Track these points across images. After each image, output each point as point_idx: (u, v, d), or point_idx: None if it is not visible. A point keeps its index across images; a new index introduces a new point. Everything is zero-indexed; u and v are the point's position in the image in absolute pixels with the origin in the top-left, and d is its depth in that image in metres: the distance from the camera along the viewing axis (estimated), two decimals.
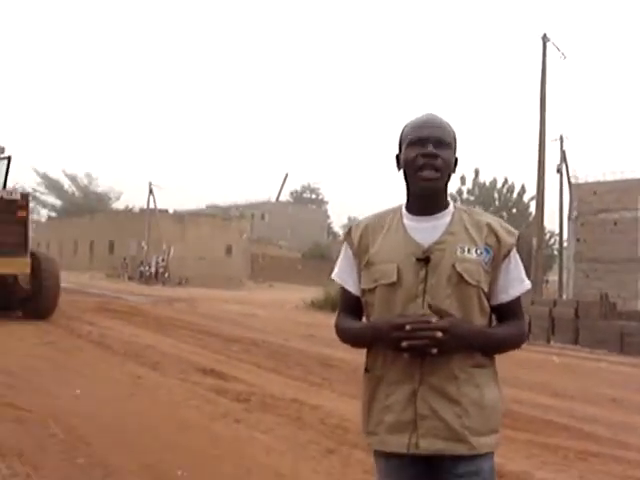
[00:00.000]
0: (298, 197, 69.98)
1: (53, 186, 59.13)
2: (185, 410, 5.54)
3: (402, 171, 1.81)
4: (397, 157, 1.86)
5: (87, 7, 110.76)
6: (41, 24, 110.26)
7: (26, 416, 5.01)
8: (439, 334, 1.62)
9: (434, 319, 1.65)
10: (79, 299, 15.98)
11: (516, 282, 1.82)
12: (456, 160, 1.82)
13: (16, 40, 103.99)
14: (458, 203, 1.89)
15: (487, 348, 1.77)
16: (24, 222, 11.18)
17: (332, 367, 8.16)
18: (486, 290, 1.76)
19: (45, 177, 58.29)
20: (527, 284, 1.84)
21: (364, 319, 1.88)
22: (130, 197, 79.58)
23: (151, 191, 38.47)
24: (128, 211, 50.74)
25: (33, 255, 11.41)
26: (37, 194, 59.10)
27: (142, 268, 36.20)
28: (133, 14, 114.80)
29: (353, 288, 1.88)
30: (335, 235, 63.33)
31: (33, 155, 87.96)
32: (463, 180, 51.73)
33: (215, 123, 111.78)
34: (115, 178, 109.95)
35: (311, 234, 58.03)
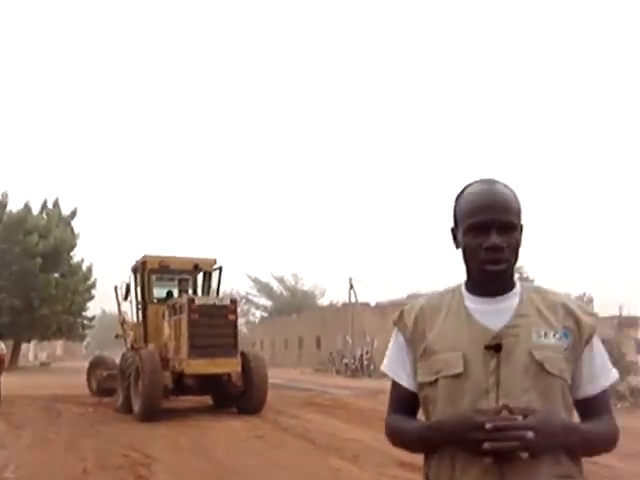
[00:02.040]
0: None
1: (264, 288, 64.17)
2: None
3: (461, 249, 1.58)
4: (453, 232, 1.63)
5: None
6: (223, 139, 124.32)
7: None
8: (530, 434, 1.34)
9: (519, 417, 1.38)
10: (287, 394, 16.73)
11: (603, 371, 1.58)
12: (521, 228, 1.58)
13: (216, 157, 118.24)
14: (525, 282, 1.66)
15: (580, 449, 1.49)
16: (234, 325, 12.30)
17: None
18: (569, 382, 1.51)
19: (256, 281, 63.62)
20: (615, 373, 1.60)
21: (421, 418, 1.62)
22: (334, 293, 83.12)
23: (352, 286, 39.83)
24: (332, 306, 52.88)
25: (243, 354, 12.39)
26: (250, 297, 64.85)
27: (346, 361, 37.03)
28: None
29: (407, 381, 1.63)
30: None
31: (246, 262, 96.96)
32: None
33: (408, 214, 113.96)
34: (319, 276, 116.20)
35: None
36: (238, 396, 12.39)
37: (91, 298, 38.71)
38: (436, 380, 1.53)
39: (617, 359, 16.75)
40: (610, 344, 18.62)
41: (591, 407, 1.57)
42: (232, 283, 56.57)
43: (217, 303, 12.34)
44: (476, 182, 1.61)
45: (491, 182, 1.58)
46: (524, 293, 1.59)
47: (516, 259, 1.55)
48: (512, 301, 1.57)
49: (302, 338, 47.72)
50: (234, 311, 12.42)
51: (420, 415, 1.65)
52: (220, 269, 14.26)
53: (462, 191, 1.62)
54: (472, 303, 1.58)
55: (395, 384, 1.67)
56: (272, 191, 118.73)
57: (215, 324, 11.93)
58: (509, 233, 1.52)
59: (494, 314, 1.54)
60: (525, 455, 1.36)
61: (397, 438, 1.64)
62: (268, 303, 65.84)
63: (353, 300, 39.82)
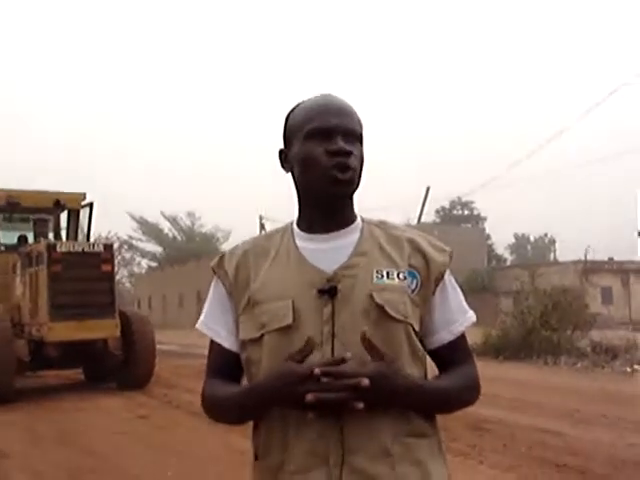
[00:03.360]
0: (447, 215, 69.32)
1: (152, 231, 63.19)
2: None
3: (292, 173, 1.66)
4: (282, 154, 1.69)
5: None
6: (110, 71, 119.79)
7: None
8: (365, 381, 1.39)
9: (349, 358, 1.44)
10: (181, 363, 16.82)
11: (458, 314, 1.67)
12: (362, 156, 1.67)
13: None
14: (367, 215, 1.73)
15: (429, 407, 1.60)
16: (110, 277, 12.05)
17: (485, 432, 8.01)
18: (417, 328, 1.59)
19: (142, 221, 62.41)
20: (472, 315, 1.70)
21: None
22: (241, 235, 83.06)
23: (262, 226, 39.99)
24: None
25: (123, 315, 12.23)
26: (134, 242, 63.79)
27: None
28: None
29: (228, 341, 1.67)
30: (500, 259, 61.81)
31: (128, 197, 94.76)
32: None
33: None
34: (222, 215, 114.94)
35: (467, 260, 56.87)
36: (117, 368, 12.32)
37: None
38: (261, 336, 1.56)
39: (579, 310, 17.77)
40: (573, 293, 19.71)
41: (447, 356, 1.66)
42: (109, 224, 55.36)
43: (87, 250, 11.96)
44: (311, 97, 1.67)
45: (328, 94, 1.66)
46: (365, 227, 1.66)
47: (359, 179, 1.62)
48: (351, 237, 1.64)
49: (201, 292, 47.67)
50: (110, 260, 12.15)
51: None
52: (91, 206, 13.90)
53: (294, 107, 1.69)
54: (304, 242, 1.64)
55: (214, 344, 1.70)
56: (159, 107, 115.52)
57: (85, 277, 11.67)
58: (353, 142, 1.60)
59: (330, 253, 1.60)
60: (360, 405, 1.40)
61: (215, 409, 1.68)
62: (157, 249, 65.23)
63: None
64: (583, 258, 39.18)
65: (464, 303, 1.71)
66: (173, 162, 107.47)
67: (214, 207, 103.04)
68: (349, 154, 1.56)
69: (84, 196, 14.04)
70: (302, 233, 1.65)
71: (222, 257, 1.72)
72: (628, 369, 13.94)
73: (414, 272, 1.60)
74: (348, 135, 1.57)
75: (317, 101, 1.63)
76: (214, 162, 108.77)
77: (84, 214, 14.03)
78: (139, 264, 68.18)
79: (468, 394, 1.67)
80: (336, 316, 1.53)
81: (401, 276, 1.58)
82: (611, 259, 43.31)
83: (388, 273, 1.58)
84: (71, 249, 11.87)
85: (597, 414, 8.80)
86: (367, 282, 1.56)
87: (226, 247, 63.04)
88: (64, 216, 14.34)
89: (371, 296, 1.54)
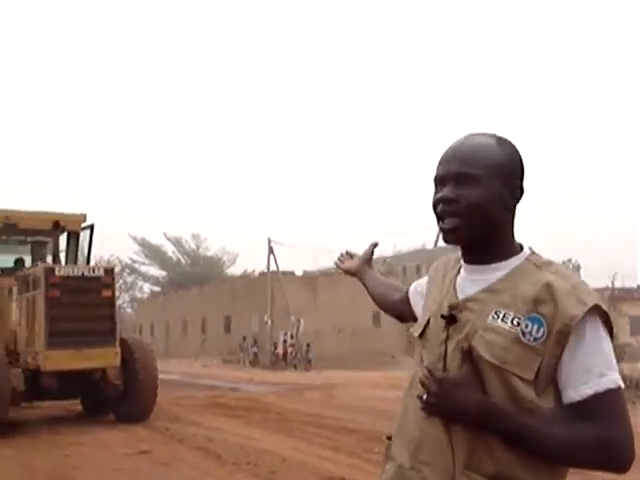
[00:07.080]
0: None
1: (155, 254, 63.25)
2: None
3: None
4: None
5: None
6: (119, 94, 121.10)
7: None
8: (433, 384, 1.66)
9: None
10: (186, 394, 16.81)
11: (590, 375, 1.59)
12: (515, 188, 1.74)
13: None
14: (537, 253, 1.79)
15: (516, 441, 1.59)
16: (110, 303, 12.07)
17: None
18: (528, 377, 1.59)
19: (144, 244, 62.52)
20: (610, 380, 1.60)
21: None
22: (249, 259, 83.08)
23: (271, 250, 39.84)
24: (246, 277, 52.92)
25: (123, 342, 12.22)
26: (136, 265, 63.85)
27: (254, 349, 37.57)
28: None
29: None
30: None
31: (130, 219, 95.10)
32: None
33: (345, 161, 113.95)
34: (229, 237, 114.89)
35: None
36: (117, 399, 12.27)
37: None
38: (418, 336, 1.88)
39: None
40: None
41: (579, 412, 1.62)
42: (110, 247, 55.63)
43: (87, 274, 12.01)
44: None
45: (471, 134, 1.81)
46: (519, 266, 1.74)
47: (483, 218, 1.71)
48: (498, 273, 1.74)
49: (206, 319, 47.65)
50: (111, 284, 12.19)
51: None
52: (92, 228, 13.96)
53: None
54: (464, 270, 1.84)
55: None
56: (162, 125, 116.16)
57: (84, 302, 11.70)
58: (466, 185, 1.71)
59: (472, 284, 1.78)
60: (425, 397, 1.68)
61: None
62: (161, 273, 65.24)
63: (273, 268, 39.93)
64: (610, 285, 38.82)
65: (604, 364, 1.61)
66: (178, 182, 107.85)
67: (221, 229, 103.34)
68: (448, 202, 1.73)
69: (84, 217, 14.07)
70: (464, 262, 1.84)
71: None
72: None
73: (540, 319, 1.62)
74: (460, 179, 1.71)
75: (448, 147, 1.81)
76: (221, 183, 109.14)
77: (84, 236, 14.07)
78: (141, 289, 68.21)
79: (593, 452, 1.59)
80: (449, 342, 1.72)
81: (515, 322, 1.63)
82: None
83: (505, 315, 1.65)
84: (70, 273, 11.91)
85: None
86: (481, 319, 1.68)
87: (232, 271, 63.56)
88: (63, 238, 14.34)
89: (476, 334, 1.67)
